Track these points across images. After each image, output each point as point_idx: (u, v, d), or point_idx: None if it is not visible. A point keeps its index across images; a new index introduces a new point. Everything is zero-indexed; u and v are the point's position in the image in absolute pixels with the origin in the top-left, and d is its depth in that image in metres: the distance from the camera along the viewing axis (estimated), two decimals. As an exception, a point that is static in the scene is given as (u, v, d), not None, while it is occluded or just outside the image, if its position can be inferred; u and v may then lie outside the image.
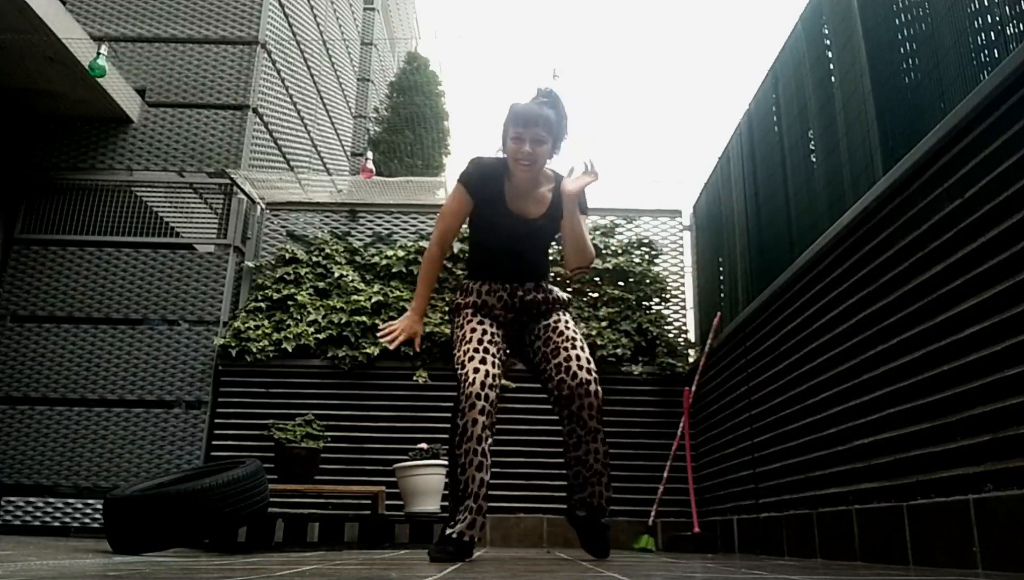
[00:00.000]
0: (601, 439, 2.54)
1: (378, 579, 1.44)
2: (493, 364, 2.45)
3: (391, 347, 2.63)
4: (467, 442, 2.35)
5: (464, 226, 2.77)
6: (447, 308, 5.02)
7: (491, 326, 2.56)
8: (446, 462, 4.28)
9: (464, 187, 2.62)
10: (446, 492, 4.30)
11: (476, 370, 2.41)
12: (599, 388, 2.52)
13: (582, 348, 2.56)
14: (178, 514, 2.85)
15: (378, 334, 2.70)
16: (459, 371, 2.45)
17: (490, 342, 2.51)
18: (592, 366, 2.55)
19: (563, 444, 2.61)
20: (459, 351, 2.50)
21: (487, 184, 2.60)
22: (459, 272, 5.13)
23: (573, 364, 2.51)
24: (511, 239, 2.59)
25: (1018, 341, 1.74)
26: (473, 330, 2.53)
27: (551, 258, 2.83)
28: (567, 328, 2.61)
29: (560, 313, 2.66)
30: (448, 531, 2.33)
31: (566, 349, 2.54)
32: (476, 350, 2.47)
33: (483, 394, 2.37)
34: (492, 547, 4.34)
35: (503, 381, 4.75)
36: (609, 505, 2.62)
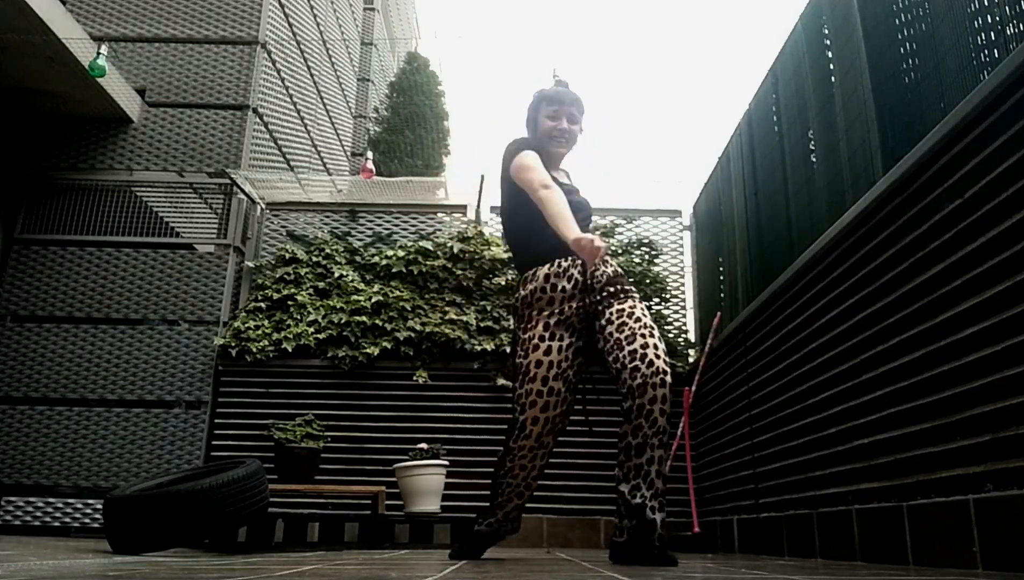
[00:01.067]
0: (666, 444, 2.26)
1: (378, 579, 1.44)
2: (557, 404, 2.37)
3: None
4: (511, 479, 2.47)
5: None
6: (446, 308, 5.02)
7: (560, 351, 2.36)
8: (446, 462, 4.29)
9: (535, 153, 2.51)
10: (446, 492, 4.31)
11: (535, 420, 2.36)
12: (670, 381, 2.27)
13: (660, 338, 2.34)
14: (178, 514, 2.85)
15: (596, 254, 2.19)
16: (517, 415, 2.38)
17: (557, 376, 2.35)
18: (666, 356, 2.31)
19: (619, 450, 2.28)
20: (521, 387, 2.37)
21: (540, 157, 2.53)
22: (458, 272, 5.13)
23: (650, 352, 2.26)
24: (569, 204, 2.34)
25: (1018, 341, 1.74)
26: (539, 363, 2.35)
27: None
28: (644, 315, 2.37)
29: (635, 298, 2.41)
30: (480, 525, 2.56)
31: (643, 336, 2.29)
32: (540, 393, 2.34)
33: (537, 443, 2.41)
34: (492, 547, 4.33)
35: (503, 381, 4.79)
36: (663, 530, 2.23)
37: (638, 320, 2.34)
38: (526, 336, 2.40)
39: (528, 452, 2.39)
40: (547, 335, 2.38)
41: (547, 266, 2.43)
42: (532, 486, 2.52)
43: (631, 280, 5.16)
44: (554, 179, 2.44)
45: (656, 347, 2.29)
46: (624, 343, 2.30)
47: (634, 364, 2.25)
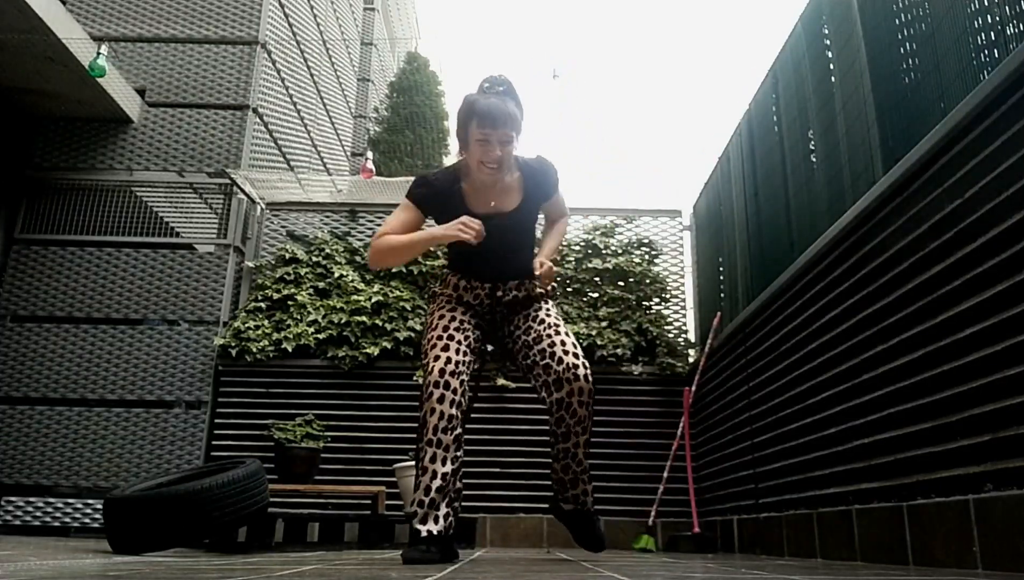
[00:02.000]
0: (585, 428, 2.40)
1: (378, 579, 1.44)
2: (458, 351, 2.34)
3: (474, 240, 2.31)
4: (426, 434, 2.25)
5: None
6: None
7: (463, 314, 2.46)
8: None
9: (410, 200, 2.45)
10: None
11: (436, 358, 2.31)
12: (588, 373, 2.37)
13: (566, 334, 2.44)
14: (178, 514, 2.85)
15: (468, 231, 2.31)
16: (422, 361, 2.40)
17: (457, 329, 2.40)
18: (579, 351, 2.41)
19: (550, 435, 2.49)
20: (425, 340, 2.42)
21: (439, 193, 2.45)
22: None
23: (558, 349, 2.37)
24: (486, 245, 2.34)
25: (1018, 341, 1.74)
26: (442, 317, 2.44)
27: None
28: (548, 316, 2.49)
29: (541, 305, 2.53)
30: (418, 527, 2.20)
31: (549, 336, 2.42)
32: (440, 337, 2.37)
33: (442, 382, 2.26)
34: (492, 547, 4.34)
35: (503, 381, 4.78)
36: (592, 502, 2.61)
37: (543, 322, 2.47)
38: (433, 308, 2.51)
39: (434, 390, 2.27)
40: (451, 308, 2.48)
41: (460, 278, 2.53)
42: (450, 451, 2.27)
43: (631, 280, 5.16)
44: (480, 212, 2.40)
45: (563, 343, 2.40)
46: (533, 344, 2.44)
47: (544, 362, 2.39)
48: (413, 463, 4.20)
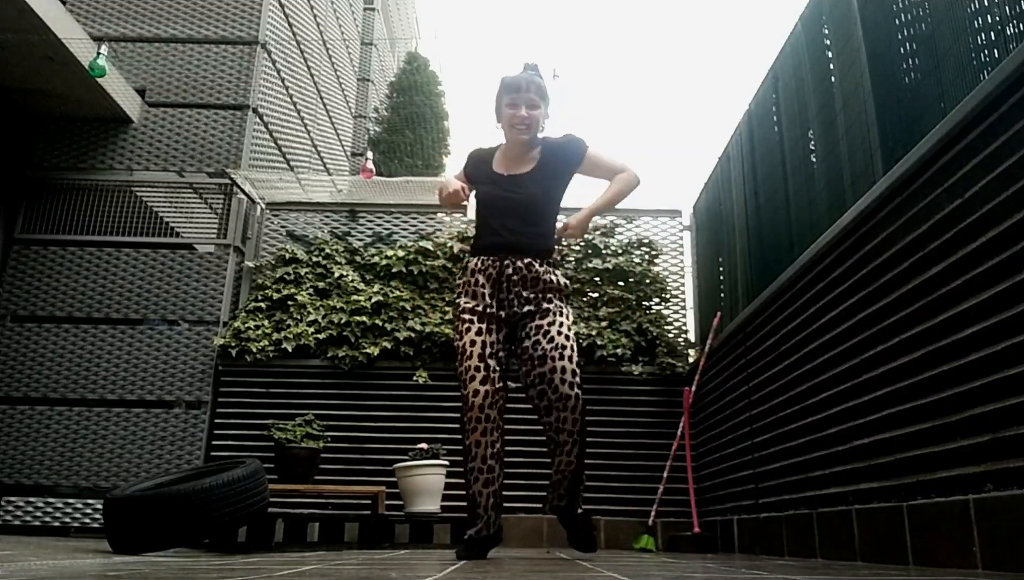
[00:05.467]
0: (576, 453, 2.60)
1: (378, 579, 1.44)
2: (493, 381, 2.56)
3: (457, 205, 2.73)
4: (472, 461, 2.56)
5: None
6: (446, 308, 5.02)
7: (489, 334, 2.61)
8: (446, 462, 4.29)
9: (463, 172, 2.88)
10: (446, 492, 4.31)
11: (476, 392, 2.53)
12: (581, 402, 2.56)
13: (570, 358, 2.55)
14: (178, 514, 2.85)
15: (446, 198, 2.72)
16: (462, 391, 2.59)
17: (491, 355, 2.58)
18: (576, 378, 2.55)
19: (548, 438, 2.68)
20: (460, 366, 2.60)
21: (479, 164, 2.83)
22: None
23: (556, 377, 2.52)
24: (499, 202, 2.67)
25: (1018, 341, 1.74)
26: (472, 342, 2.59)
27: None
28: (559, 333, 2.57)
29: (555, 312, 2.62)
30: (468, 533, 2.61)
31: (552, 358, 2.53)
32: (477, 368, 2.55)
33: (483, 415, 2.52)
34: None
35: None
36: (580, 505, 2.75)
37: (552, 340, 2.56)
38: (459, 326, 2.65)
39: (477, 424, 2.54)
40: (475, 319, 2.62)
41: (476, 260, 2.70)
42: (496, 471, 2.59)
43: (631, 280, 5.16)
44: (504, 173, 2.74)
45: (563, 371, 2.53)
46: (536, 364, 2.57)
47: (541, 387, 2.56)
48: (416, 464, 4.21)
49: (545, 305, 2.62)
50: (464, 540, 2.60)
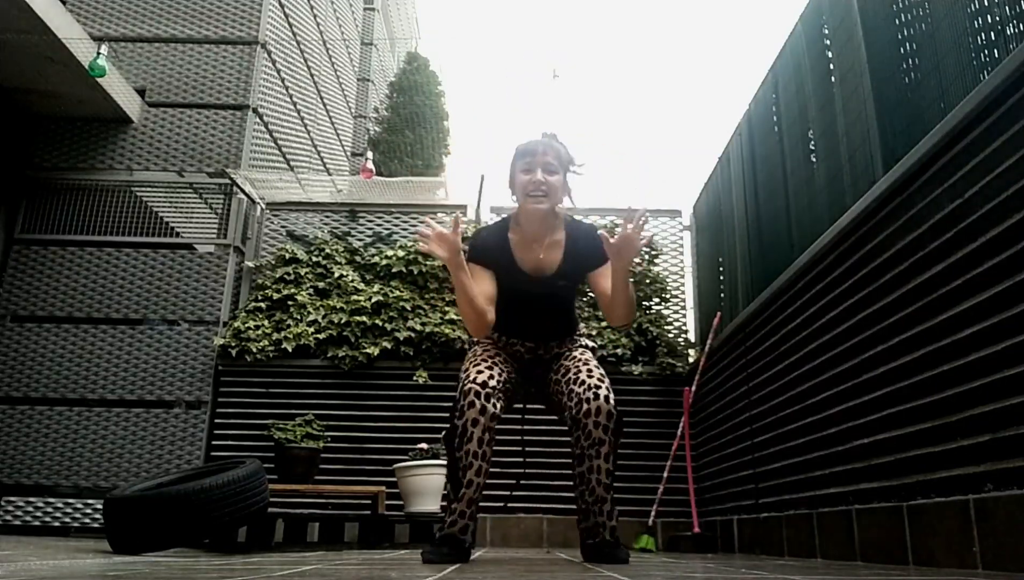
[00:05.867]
0: (606, 455, 2.28)
1: (378, 579, 1.44)
2: (499, 375, 2.35)
3: (424, 248, 2.28)
4: (467, 444, 2.25)
5: None
6: (446, 308, 5.02)
7: (503, 361, 2.45)
8: (446, 462, 4.28)
9: (472, 263, 2.43)
10: (445, 492, 4.30)
11: (480, 372, 2.32)
12: (611, 396, 2.30)
13: (596, 366, 2.42)
14: (178, 514, 2.85)
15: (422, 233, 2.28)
16: (461, 378, 2.37)
17: (503, 362, 2.43)
18: (604, 381, 2.35)
19: (571, 459, 2.41)
20: (464, 371, 2.42)
21: (490, 247, 2.48)
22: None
23: (583, 374, 2.36)
24: (529, 304, 2.46)
25: (1018, 341, 1.74)
26: (486, 350, 2.48)
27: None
28: (582, 355, 2.48)
29: (579, 350, 2.53)
30: (441, 531, 2.29)
31: (578, 368, 2.40)
32: (484, 360, 2.40)
33: (483, 393, 2.26)
34: (492, 547, 4.34)
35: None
36: (615, 534, 2.32)
37: (576, 359, 2.44)
38: (475, 349, 2.54)
39: (475, 400, 2.27)
40: (496, 351, 2.49)
41: (504, 339, 2.55)
42: (486, 459, 2.29)
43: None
44: (528, 272, 2.45)
45: (590, 372, 2.36)
46: (562, 379, 2.42)
47: (570, 388, 2.36)
48: (416, 464, 4.21)
49: (570, 349, 2.55)
50: (438, 538, 2.28)
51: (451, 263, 2.24)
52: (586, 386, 2.32)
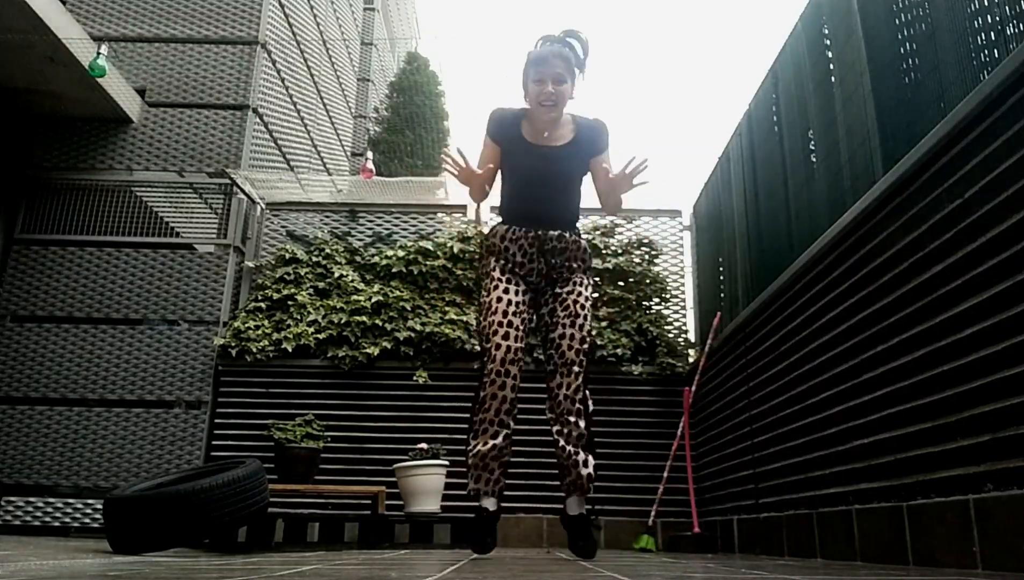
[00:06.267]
0: (578, 413, 2.56)
1: (378, 579, 1.44)
2: (516, 338, 2.56)
3: (456, 171, 2.62)
4: (484, 413, 2.55)
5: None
6: (446, 308, 5.02)
7: (516, 294, 2.63)
8: (446, 462, 4.28)
9: (487, 135, 2.73)
10: (446, 492, 4.31)
11: (498, 346, 2.54)
12: (581, 369, 2.58)
13: (579, 326, 2.61)
14: (178, 514, 2.85)
15: (449, 163, 2.63)
16: (484, 344, 2.60)
17: (515, 313, 2.59)
18: (584, 346, 2.60)
19: (547, 407, 2.67)
20: (484, 320, 2.63)
21: (507, 127, 2.71)
22: (458, 272, 5.13)
23: (564, 343, 2.58)
24: (534, 174, 2.63)
25: (1018, 341, 1.74)
26: (499, 299, 2.61)
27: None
28: (575, 302, 2.64)
29: (576, 282, 2.68)
30: (484, 504, 2.61)
31: (564, 325, 2.60)
32: (500, 324, 2.57)
33: (503, 370, 2.52)
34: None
35: None
36: (591, 483, 2.62)
37: (568, 308, 2.63)
38: (487, 282, 2.69)
39: (496, 378, 2.53)
40: (503, 279, 2.66)
41: (506, 228, 2.69)
42: (506, 426, 2.58)
43: (631, 280, 5.17)
44: (536, 144, 2.67)
45: (572, 338, 2.59)
46: (550, 330, 2.66)
47: (549, 352, 2.64)
48: (416, 464, 4.21)
49: (567, 274, 2.69)
50: (472, 524, 2.62)
51: (472, 178, 2.62)
52: (565, 359, 2.57)
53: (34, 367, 5.00)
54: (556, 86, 2.60)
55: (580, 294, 2.66)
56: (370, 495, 4.48)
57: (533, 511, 4.69)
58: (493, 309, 2.60)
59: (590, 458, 2.61)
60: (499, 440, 2.56)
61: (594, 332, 4.93)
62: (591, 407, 2.64)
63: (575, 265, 2.69)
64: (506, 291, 2.63)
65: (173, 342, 5.06)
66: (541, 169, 2.66)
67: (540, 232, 2.65)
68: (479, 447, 2.57)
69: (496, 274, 2.67)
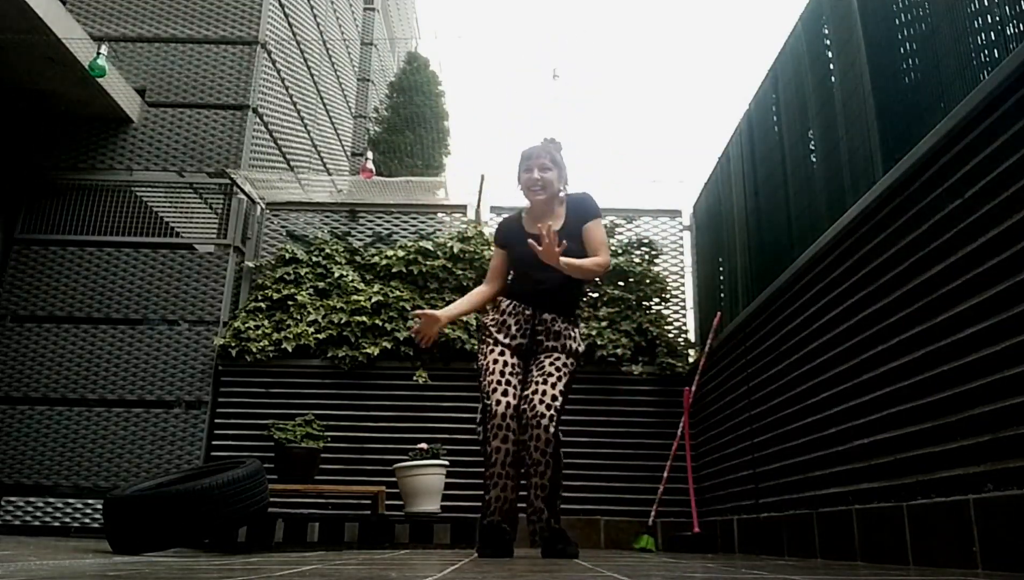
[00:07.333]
0: (550, 476, 2.74)
1: (378, 579, 1.44)
2: (513, 394, 2.81)
3: (423, 346, 2.99)
4: (492, 467, 2.78)
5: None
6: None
7: (510, 357, 2.89)
8: (446, 462, 4.29)
9: (495, 244, 3.13)
10: (446, 492, 4.31)
11: (499, 402, 2.78)
12: (553, 425, 2.73)
13: (552, 385, 2.79)
14: (178, 514, 2.85)
15: (412, 331, 3.04)
16: (485, 401, 2.84)
17: (511, 373, 2.85)
18: (555, 403, 2.76)
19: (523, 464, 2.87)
20: (483, 379, 2.88)
21: (509, 229, 3.07)
22: (459, 272, 5.13)
23: (536, 398, 2.76)
24: (533, 259, 2.79)
25: (1018, 341, 1.74)
26: (495, 361, 2.87)
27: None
28: (552, 365, 2.85)
29: (557, 350, 2.89)
30: (482, 525, 2.78)
31: (537, 382, 2.81)
32: (499, 382, 2.82)
33: (503, 424, 2.76)
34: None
35: None
36: (557, 523, 2.80)
37: (542, 369, 2.85)
38: (484, 348, 2.95)
39: (499, 431, 2.76)
40: (498, 348, 2.91)
41: (507, 304, 2.96)
42: (511, 476, 2.79)
43: (631, 280, 5.17)
44: (531, 235, 2.88)
45: (544, 394, 2.77)
46: (526, 387, 2.85)
47: (523, 406, 2.81)
48: (416, 464, 4.21)
49: (552, 343, 2.91)
50: (481, 528, 2.78)
51: (443, 322, 2.98)
52: (536, 413, 2.72)
53: (34, 367, 5.00)
54: (542, 173, 2.94)
55: (558, 358, 2.88)
56: (370, 495, 4.48)
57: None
58: (491, 370, 2.86)
59: (554, 507, 2.81)
60: (508, 492, 2.80)
61: (594, 332, 4.93)
62: (562, 460, 2.82)
63: (558, 345, 2.90)
64: (502, 353, 2.89)
65: (173, 342, 5.06)
66: (537, 260, 2.80)
67: (536, 312, 2.91)
68: (494, 504, 2.80)
69: (491, 340, 2.93)
